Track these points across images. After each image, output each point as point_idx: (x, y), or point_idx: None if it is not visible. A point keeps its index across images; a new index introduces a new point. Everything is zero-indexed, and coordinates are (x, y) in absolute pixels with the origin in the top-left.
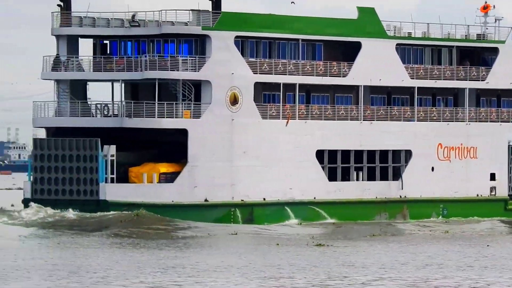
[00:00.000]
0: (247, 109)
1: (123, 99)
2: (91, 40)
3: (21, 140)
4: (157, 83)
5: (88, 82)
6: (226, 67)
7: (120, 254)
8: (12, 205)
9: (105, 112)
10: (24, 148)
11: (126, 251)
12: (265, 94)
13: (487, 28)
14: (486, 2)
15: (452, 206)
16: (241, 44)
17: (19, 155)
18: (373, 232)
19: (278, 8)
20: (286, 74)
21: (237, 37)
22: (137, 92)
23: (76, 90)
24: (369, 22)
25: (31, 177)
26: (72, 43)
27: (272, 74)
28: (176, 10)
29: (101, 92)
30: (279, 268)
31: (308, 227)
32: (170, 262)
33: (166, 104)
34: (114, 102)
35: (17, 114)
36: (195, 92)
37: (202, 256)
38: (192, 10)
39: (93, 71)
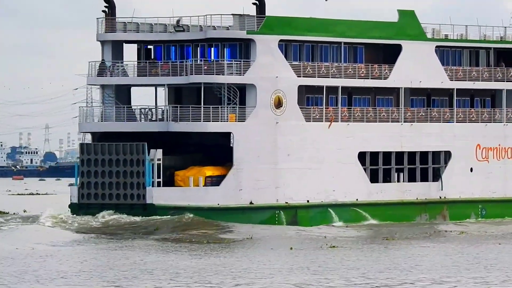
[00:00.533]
0: (291, 112)
1: (167, 103)
2: (135, 46)
3: (33, 145)
4: (202, 87)
5: (132, 87)
6: (270, 70)
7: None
8: (25, 211)
9: (149, 117)
10: (36, 153)
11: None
12: (308, 97)
13: None
14: None
15: (490, 207)
16: (285, 47)
17: (31, 160)
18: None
19: (319, 12)
20: (329, 77)
21: (281, 40)
22: (180, 96)
23: (121, 95)
24: (409, 25)
25: (78, 181)
26: (116, 48)
27: (315, 77)
28: (221, 15)
29: (144, 97)
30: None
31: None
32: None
33: (212, 108)
34: (159, 107)
35: (29, 119)
36: (240, 95)
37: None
38: (236, 14)
39: (137, 76)
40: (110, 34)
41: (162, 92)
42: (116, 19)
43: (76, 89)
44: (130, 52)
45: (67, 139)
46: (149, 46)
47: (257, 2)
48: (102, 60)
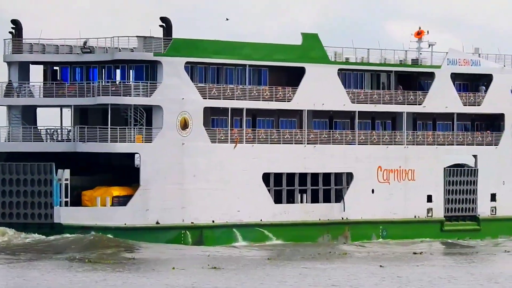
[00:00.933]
0: (197, 133)
1: (73, 124)
2: (41, 67)
3: None
4: (109, 108)
5: (37, 108)
6: (176, 92)
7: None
8: None
9: (55, 137)
10: None
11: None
12: (214, 119)
13: (421, 53)
14: (420, 28)
15: (391, 227)
16: (191, 69)
17: None
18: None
19: (225, 34)
20: (233, 99)
21: (187, 62)
22: (87, 117)
23: (27, 116)
24: (312, 48)
25: None
26: (23, 69)
27: (220, 99)
28: (128, 36)
29: (49, 117)
30: None
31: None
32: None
33: (119, 129)
34: (64, 127)
35: None
36: (147, 116)
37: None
38: (141, 36)
39: (43, 96)
40: (16, 55)
41: (68, 113)
42: (23, 40)
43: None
44: (36, 73)
45: None
46: (55, 68)
47: (164, 24)
48: (9, 80)
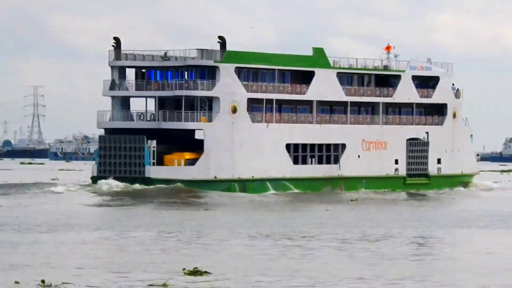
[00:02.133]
0: (242, 116)
1: (156, 109)
2: (133, 70)
3: None
4: (183, 99)
5: (130, 98)
6: (229, 87)
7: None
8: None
9: (141, 118)
10: None
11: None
12: (253, 106)
13: (389, 62)
14: (388, 44)
15: (370, 182)
16: (238, 72)
17: None
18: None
19: (262, 47)
20: (267, 92)
21: (236, 67)
22: (164, 105)
23: (124, 104)
24: (320, 58)
25: (97, 161)
26: (121, 72)
27: (258, 92)
28: (196, 49)
29: (137, 105)
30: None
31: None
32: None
33: (190, 112)
34: (150, 112)
35: None
36: (209, 104)
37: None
38: (205, 49)
39: (135, 90)
40: (117, 61)
41: (150, 102)
42: (121, 51)
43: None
44: (129, 74)
45: (20, 131)
46: (143, 70)
47: (220, 41)
48: (113, 79)
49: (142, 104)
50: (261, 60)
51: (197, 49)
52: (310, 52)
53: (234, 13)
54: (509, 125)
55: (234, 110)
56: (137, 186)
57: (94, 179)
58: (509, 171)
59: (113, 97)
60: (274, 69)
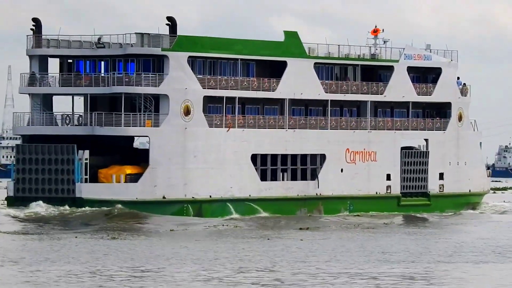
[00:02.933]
0: (198, 119)
1: (85, 110)
2: (57, 60)
3: None
4: (123, 97)
5: (53, 96)
6: (180, 83)
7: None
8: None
9: (66, 122)
10: None
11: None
12: (210, 106)
13: (376, 49)
14: (376, 26)
15: (356, 202)
16: (192, 63)
17: None
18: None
19: (220, 31)
20: (227, 89)
21: (189, 57)
22: (96, 104)
23: (46, 103)
24: (293, 44)
25: (14, 177)
26: (42, 62)
27: (216, 89)
28: (136, 33)
29: (62, 105)
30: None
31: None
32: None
33: (132, 115)
34: (76, 113)
35: None
36: (155, 104)
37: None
38: (149, 33)
39: (60, 86)
40: (37, 50)
41: (78, 101)
42: (42, 36)
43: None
44: (53, 65)
45: None
46: (69, 60)
47: (170, 23)
48: (32, 72)
49: (68, 104)
50: (220, 48)
51: (136, 33)
52: (281, 37)
53: None
54: (506, 129)
55: (187, 112)
56: (66, 208)
57: (11, 200)
58: (504, 189)
59: (32, 95)
60: (236, 59)
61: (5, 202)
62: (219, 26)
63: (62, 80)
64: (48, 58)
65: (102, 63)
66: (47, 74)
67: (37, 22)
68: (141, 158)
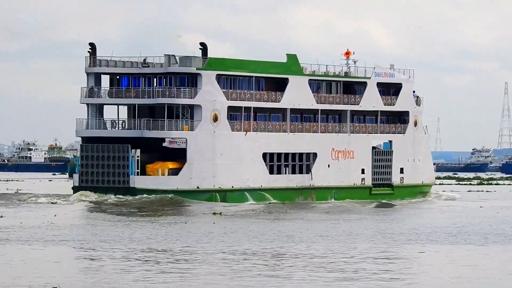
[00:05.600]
0: (223, 125)
1: (136, 117)
2: (107, 76)
3: None
4: (166, 107)
5: (104, 105)
6: (210, 95)
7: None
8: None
9: (113, 126)
10: None
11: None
12: (231, 114)
13: (348, 68)
14: (348, 49)
15: (339, 192)
16: (218, 79)
17: None
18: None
19: (239, 53)
20: (245, 100)
21: (217, 75)
22: (138, 113)
23: (99, 112)
24: (293, 65)
25: (79, 171)
26: (97, 78)
27: (237, 100)
28: (176, 55)
29: (109, 113)
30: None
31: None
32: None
33: (174, 121)
34: (121, 119)
35: None
36: (190, 112)
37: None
38: (187, 56)
39: (111, 97)
40: (93, 68)
41: (123, 109)
42: (97, 57)
43: (180, 36)
44: (104, 81)
45: None
46: (117, 77)
47: (202, 47)
48: (92, 86)
49: (114, 112)
50: (240, 67)
51: (165, 55)
52: (284, 58)
53: None
54: None
55: (215, 119)
56: (121, 196)
57: (76, 189)
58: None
59: (89, 105)
60: (251, 76)
61: (71, 191)
62: (137, 45)
63: (115, 93)
64: (101, 75)
65: (143, 79)
66: (100, 88)
67: (92, 46)
68: (177, 155)
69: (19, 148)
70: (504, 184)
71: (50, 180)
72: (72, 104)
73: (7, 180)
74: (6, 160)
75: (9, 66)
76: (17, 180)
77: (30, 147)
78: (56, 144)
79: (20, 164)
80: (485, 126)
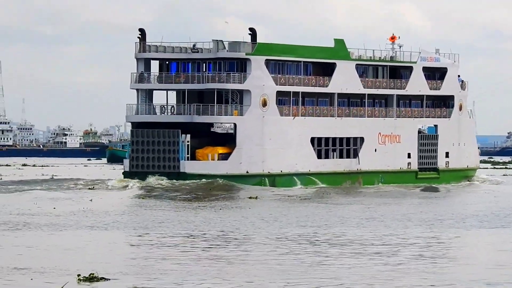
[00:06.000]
0: (272, 110)
1: (186, 102)
2: (157, 62)
3: None
4: (215, 92)
5: (154, 91)
6: (259, 80)
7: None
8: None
9: (162, 112)
10: None
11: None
12: (280, 99)
13: (394, 53)
14: (393, 34)
15: (386, 176)
16: (267, 64)
17: None
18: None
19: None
20: (293, 85)
21: (266, 60)
22: (187, 98)
23: (149, 97)
24: (341, 49)
25: (129, 156)
26: (147, 63)
27: (286, 85)
28: (213, 40)
29: (158, 98)
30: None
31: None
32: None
33: (223, 106)
34: (170, 104)
35: None
36: (240, 97)
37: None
38: (237, 41)
39: (160, 83)
40: (142, 54)
41: (171, 95)
42: (146, 43)
43: (227, 22)
44: (154, 66)
45: None
46: (166, 62)
47: (251, 33)
48: (141, 72)
49: (163, 97)
50: (288, 52)
51: (213, 40)
52: (331, 43)
53: None
54: None
55: (264, 104)
56: (173, 181)
57: (126, 174)
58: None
59: (140, 90)
60: (299, 61)
61: (122, 175)
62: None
63: (165, 78)
64: (151, 60)
65: (191, 64)
66: (150, 73)
67: (142, 32)
68: (225, 140)
69: (54, 134)
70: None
71: (85, 166)
72: (106, 90)
73: (42, 166)
74: (41, 146)
75: (43, 50)
76: (52, 166)
77: (65, 132)
78: (91, 129)
79: (55, 149)
80: None
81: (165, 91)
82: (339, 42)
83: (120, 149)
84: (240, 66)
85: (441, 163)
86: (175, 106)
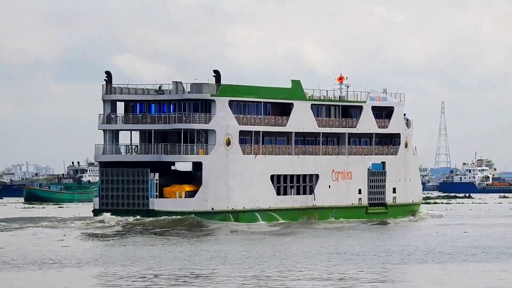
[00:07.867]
0: (235, 148)
1: (152, 142)
2: (122, 103)
3: None
4: (182, 132)
5: (120, 131)
6: (224, 120)
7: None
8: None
9: (127, 151)
10: None
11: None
12: (242, 138)
13: (341, 93)
14: (341, 74)
15: (339, 211)
16: (230, 105)
17: None
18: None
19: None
20: (254, 125)
21: (229, 100)
22: (151, 138)
23: (114, 137)
24: (297, 90)
25: (100, 194)
26: (112, 105)
27: (248, 125)
28: (190, 83)
29: (123, 138)
30: None
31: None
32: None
33: (190, 145)
34: (142, 144)
35: None
36: (205, 136)
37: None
38: (201, 83)
39: (124, 123)
40: (109, 95)
41: (135, 135)
42: (113, 85)
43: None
44: (119, 107)
45: None
46: (132, 104)
47: (215, 75)
48: (109, 113)
49: (127, 137)
50: (251, 93)
51: (173, 81)
52: (289, 84)
53: None
54: None
55: (228, 143)
56: (138, 217)
57: (96, 212)
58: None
59: (106, 131)
60: (259, 102)
61: (92, 213)
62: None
63: (131, 119)
64: (117, 102)
65: (156, 105)
66: (115, 114)
67: (108, 74)
68: (190, 178)
69: None
70: (442, 203)
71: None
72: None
73: None
74: None
75: None
76: None
77: None
78: None
79: None
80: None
81: (129, 131)
82: (296, 83)
83: (38, 187)
84: (204, 106)
85: (388, 198)
86: (138, 146)
